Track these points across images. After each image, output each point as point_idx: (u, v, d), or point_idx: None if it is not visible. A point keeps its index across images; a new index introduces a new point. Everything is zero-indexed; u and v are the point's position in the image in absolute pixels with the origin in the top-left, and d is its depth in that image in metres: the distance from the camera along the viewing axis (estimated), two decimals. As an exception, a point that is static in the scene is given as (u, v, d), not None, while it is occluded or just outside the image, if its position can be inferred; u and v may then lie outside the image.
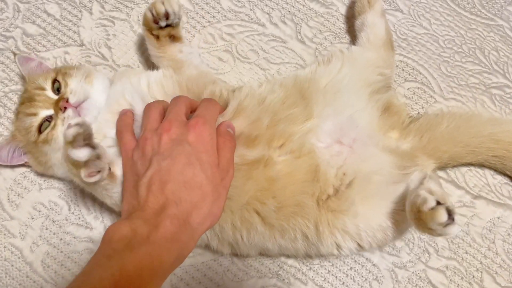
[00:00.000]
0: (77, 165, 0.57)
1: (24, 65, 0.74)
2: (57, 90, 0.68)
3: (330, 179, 0.65)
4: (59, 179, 0.74)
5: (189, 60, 0.75)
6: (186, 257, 0.53)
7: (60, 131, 0.65)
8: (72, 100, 0.66)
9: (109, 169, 0.60)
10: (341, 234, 0.64)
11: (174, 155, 0.54)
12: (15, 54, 0.75)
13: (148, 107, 0.62)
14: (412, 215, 0.57)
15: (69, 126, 0.56)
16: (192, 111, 0.63)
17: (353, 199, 0.64)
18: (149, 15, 0.70)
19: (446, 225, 0.54)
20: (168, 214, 0.50)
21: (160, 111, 0.61)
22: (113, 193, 0.63)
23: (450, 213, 0.54)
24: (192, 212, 0.52)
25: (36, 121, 0.67)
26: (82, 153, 0.56)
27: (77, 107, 0.66)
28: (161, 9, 0.69)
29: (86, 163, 0.57)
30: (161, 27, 0.72)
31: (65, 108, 0.65)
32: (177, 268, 0.70)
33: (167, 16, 0.70)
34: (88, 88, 0.69)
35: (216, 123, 0.63)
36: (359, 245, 0.65)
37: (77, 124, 0.56)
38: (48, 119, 0.67)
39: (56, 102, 0.66)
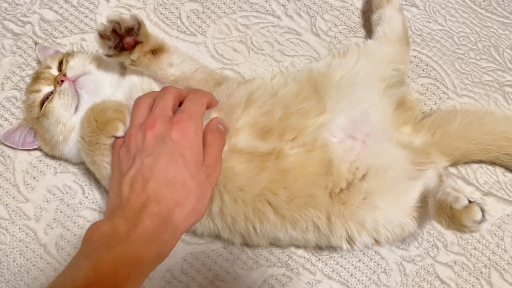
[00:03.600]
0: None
1: (43, 52, 0.78)
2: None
3: (343, 173, 0.65)
4: (67, 160, 0.75)
5: (183, 71, 0.69)
6: (168, 254, 0.52)
7: (56, 104, 0.67)
8: (70, 74, 0.68)
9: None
10: (357, 227, 0.64)
11: (157, 152, 0.54)
12: (36, 43, 0.79)
13: (137, 101, 0.61)
14: (442, 213, 0.57)
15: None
16: (182, 101, 0.62)
17: (369, 192, 0.64)
18: (101, 28, 0.61)
19: (480, 222, 0.54)
20: (148, 212, 0.50)
21: (149, 105, 0.60)
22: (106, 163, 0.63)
23: (482, 210, 0.55)
24: (174, 210, 0.52)
25: (38, 97, 0.69)
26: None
27: (74, 80, 0.67)
28: (107, 26, 0.61)
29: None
30: (124, 47, 0.63)
31: (62, 81, 0.67)
32: (188, 254, 0.72)
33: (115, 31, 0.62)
34: (91, 67, 0.70)
35: (231, 116, 0.64)
36: (375, 240, 0.66)
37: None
38: (50, 95, 0.68)
39: (56, 77, 0.68)
